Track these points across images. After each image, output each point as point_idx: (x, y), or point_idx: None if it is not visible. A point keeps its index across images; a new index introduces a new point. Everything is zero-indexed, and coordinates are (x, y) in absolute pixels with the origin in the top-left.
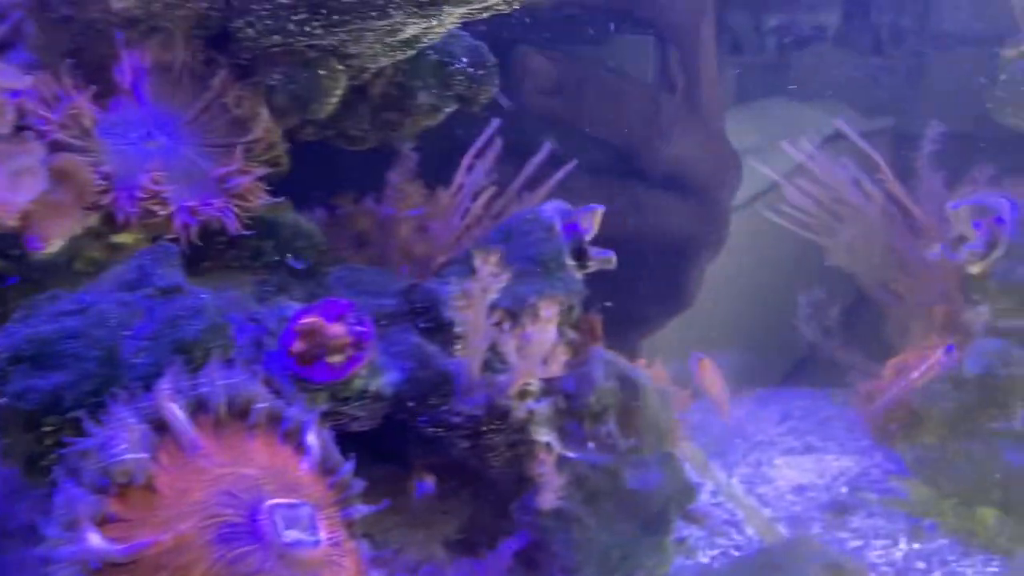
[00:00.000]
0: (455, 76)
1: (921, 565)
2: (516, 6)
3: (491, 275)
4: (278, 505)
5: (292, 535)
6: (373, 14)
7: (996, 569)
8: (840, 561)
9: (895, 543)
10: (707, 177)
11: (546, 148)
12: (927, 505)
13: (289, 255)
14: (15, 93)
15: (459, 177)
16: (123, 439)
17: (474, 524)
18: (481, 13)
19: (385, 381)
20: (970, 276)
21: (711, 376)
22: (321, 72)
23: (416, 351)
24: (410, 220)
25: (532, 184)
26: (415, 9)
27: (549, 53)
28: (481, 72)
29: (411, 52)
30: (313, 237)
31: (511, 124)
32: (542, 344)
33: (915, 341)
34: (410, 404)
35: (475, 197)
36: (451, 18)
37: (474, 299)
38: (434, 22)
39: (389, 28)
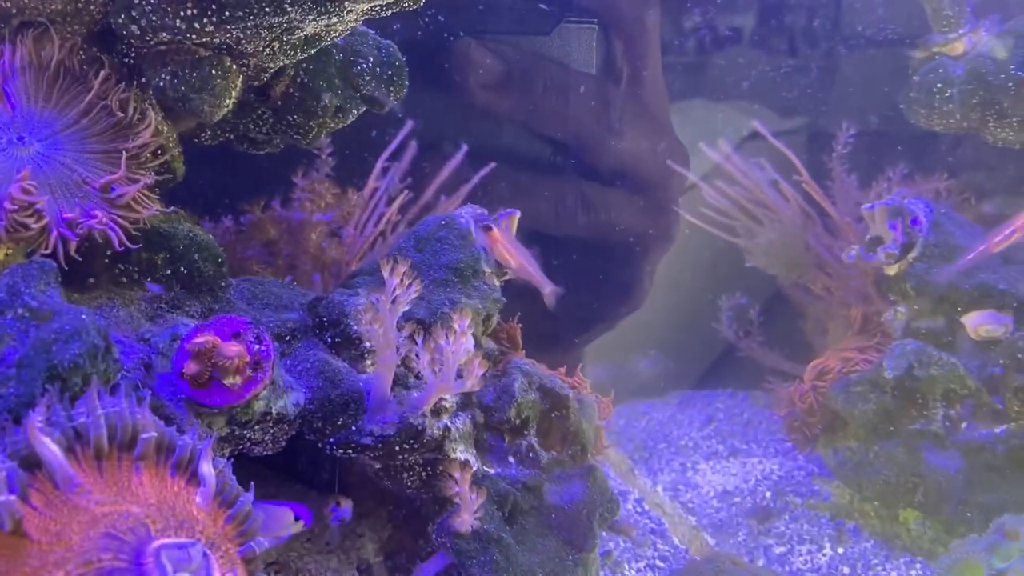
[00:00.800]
0: (362, 76)
1: (846, 570)
2: (422, 3)
3: (400, 286)
4: (166, 545)
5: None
6: (268, 10)
7: (919, 571)
8: None
9: (820, 548)
10: (655, 171)
11: (463, 150)
12: (850, 508)
13: (148, 278)
14: None
15: (372, 180)
16: None
17: (392, 547)
18: (386, 11)
19: (289, 402)
20: (887, 277)
21: (507, 248)
22: (213, 72)
23: (323, 368)
24: (321, 226)
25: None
26: (312, 5)
27: (491, 44)
28: (390, 72)
29: (312, 51)
30: (210, 248)
31: (450, 120)
32: (457, 357)
33: (834, 341)
34: (317, 425)
35: (390, 201)
36: (352, 15)
37: (383, 312)
38: (334, 19)
39: (286, 25)
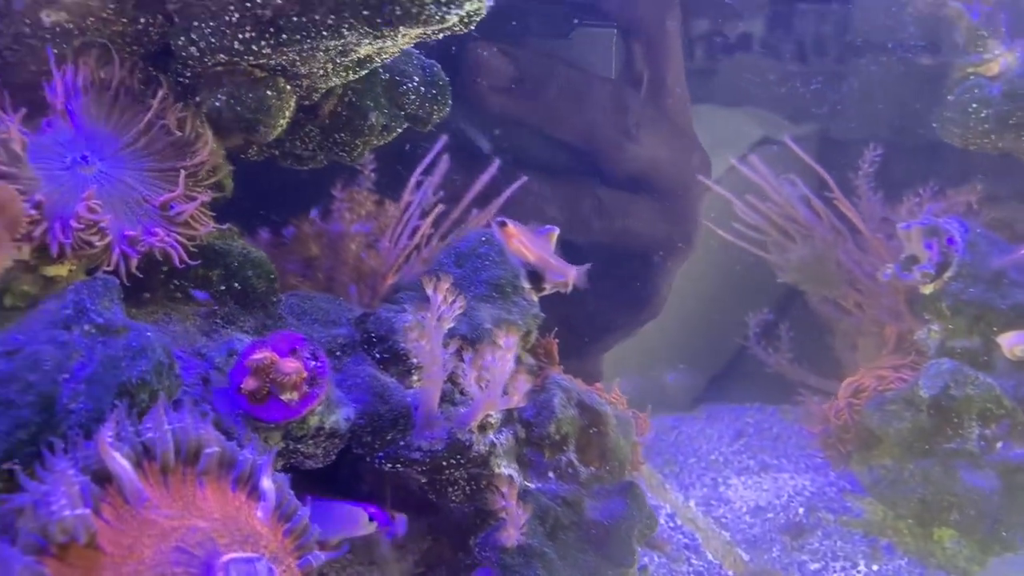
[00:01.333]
0: (407, 96)
1: None
2: (471, 27)
3: (445, 303)
4: (234, 560)
5: None
6: (325, 34)
7: None
8: None
9: (854, 565)
10: (675, 177)
11: (495, 164)
12: (883, 525)
13: (198, 284)
14: None
15: (407, 194)
16: (62, 494)
17: (432, 559)
18: (437, 34)
19: (341, 417)
20: (919, 295)
21: (523, 242)
22: (269, 92)
23: (372, 384)
24: (360, 237)
25: (483, 200)
26: (369, 29)
27: (506, 48)
28: (434, 91)
29: (363, 72)
30: (263, 265)
31: (466, 126)
32: (503, 374)
33: (863, 358)
34: (367, 439)
35: (423, 214)
36: (405, 39)
37: (429, 329)
38: (388, 42)
39: (341, 48)
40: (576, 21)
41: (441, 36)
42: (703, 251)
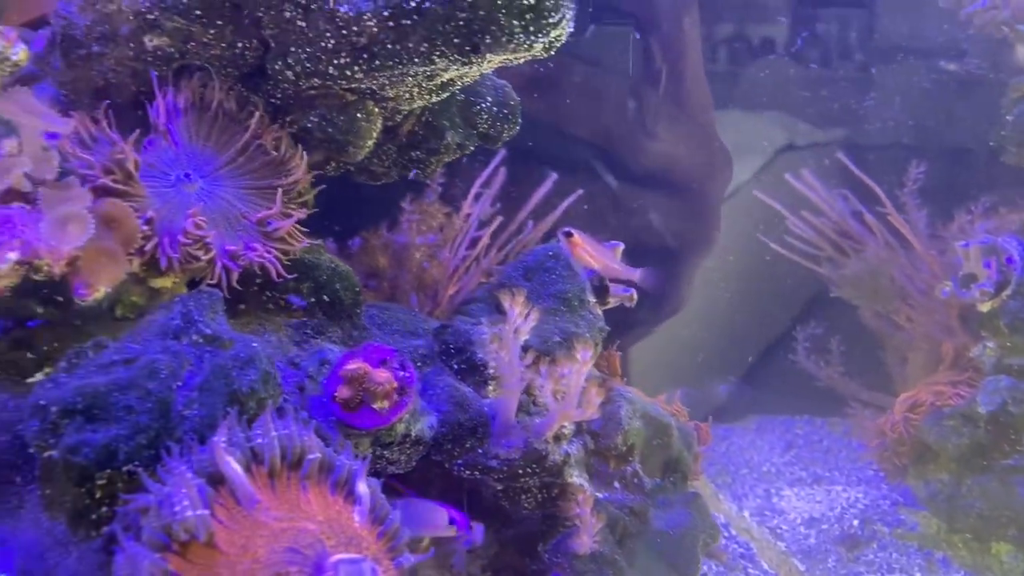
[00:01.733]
0: (481, 115)
1: None
2: (551, 52)
3: (521, 316)
4: (342, 560)
5: None
6: (416, 60)
7: None
8: None
9: None
10: (694, 173)
11: (551, 178)
12: (937, 538)
13: (296, 290)
14: (53, 135)
15: (466, 206)
16: (184, 496)
17: (499, 565)
18: (518, 60)
19: (425, 425)
20: (974, 312)
21: (588, 251)
22: (359, 115)
23: (452, 393)
24: (423, 248)
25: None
26: (458, 56)
27: None
28: (505, 111)
29: (445, 95)
30: (349, 278)
31: None
32: (578, 387)
33: (914, 372)
34: (447, 447)
35: (480, 226)
36: (490, 64)
37: (507, 341)
38: (474, 68)
39: (429, 73)
40: (593, 19)
41: (522, 61)
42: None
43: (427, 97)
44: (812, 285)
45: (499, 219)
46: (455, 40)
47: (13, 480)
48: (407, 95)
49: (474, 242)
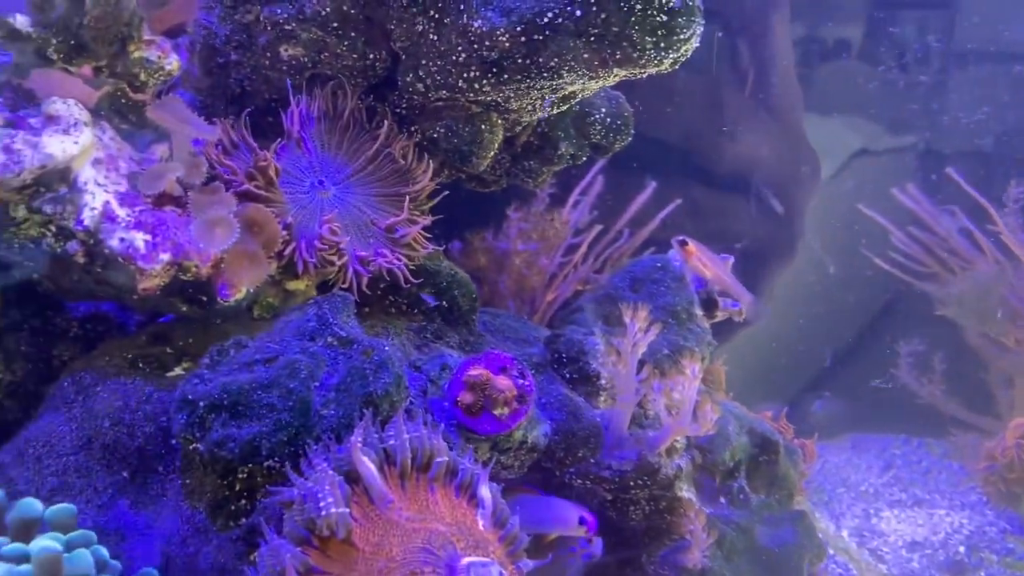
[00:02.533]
0: (594, 126)
1: None
2: (676, 67)
3: (641, 331)
4: (473, 563)
5: None
6: (545, 74)
7: None
8: None
9: None
10: (779, 177)
11: (651, 187)
12: None
13: (423, 291)
14: (198, 142)
15: (565, 213)
16: (328, 492)
17: (599, 574)
18: (641, 75)
19: (540, 433)
20: None
21: (702, 260)
22: (483, 127)
23: (565, 402)
24: (524, 254)
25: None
26: (586, 71)
27: None
28: (618, 122)
29: (565, 107)
30: (467, 285)
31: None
32: (692, 401)
33: (1021, 395)
34: (559, 455)
35: (576, 233)
36: (615, 78)
37: (625, 354)
38: (599, 82)
39: (554, 87)
40: None
41: (645, 76)
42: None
43: (548, 109)
44: (880, 297)
45: (598, 227)
46: (585, 55)
47: (156, 469)
48: (529, 107)
49: (570, 249)
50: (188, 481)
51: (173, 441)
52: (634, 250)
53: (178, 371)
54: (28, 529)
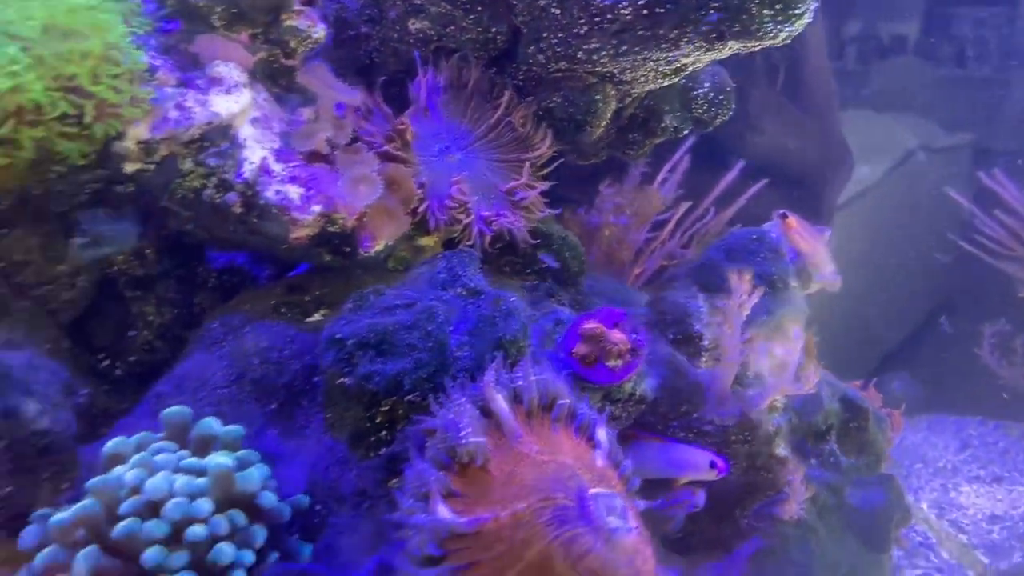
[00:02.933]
0: (697, 100)
1: None
2: (788, 40)
3: (746, 293)
4: (599, 494)
5: (614, 522)
6: (663, 46)
7: None
8: None
9: None
10: (807, 169)
11: (739, 165)
12: None
13: (543, 252)
14: (340, 106)
15: (654, 189)
16: (468, 423)
17: (690, 528)
18: (756, 47)
19: (647, 386)
20: None
21: (802, 233)
22: (597, 97)
23: (670, 360)
24: (615, 229)
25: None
26: (704, 43)
27: None
28: (721, 97)
29: (676, 79)
30: (577, 248)
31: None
32: (794, 362)
33: None
34: (662, 410)
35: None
36: (728, 51)
37: (731, 315)
38: (713, 55)
39: (669, 59)
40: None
41: (758, 49)
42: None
43: (660, 81)
44: (947, 284)
45: (687, 204)
46: (703, 28)
47: (300, 404)
48: (643, 79)
49: (654, 226)
50: (330, 415)
51: (316, 379)
52: (721, 228)
53: (317, 317)
54: (205, 446)
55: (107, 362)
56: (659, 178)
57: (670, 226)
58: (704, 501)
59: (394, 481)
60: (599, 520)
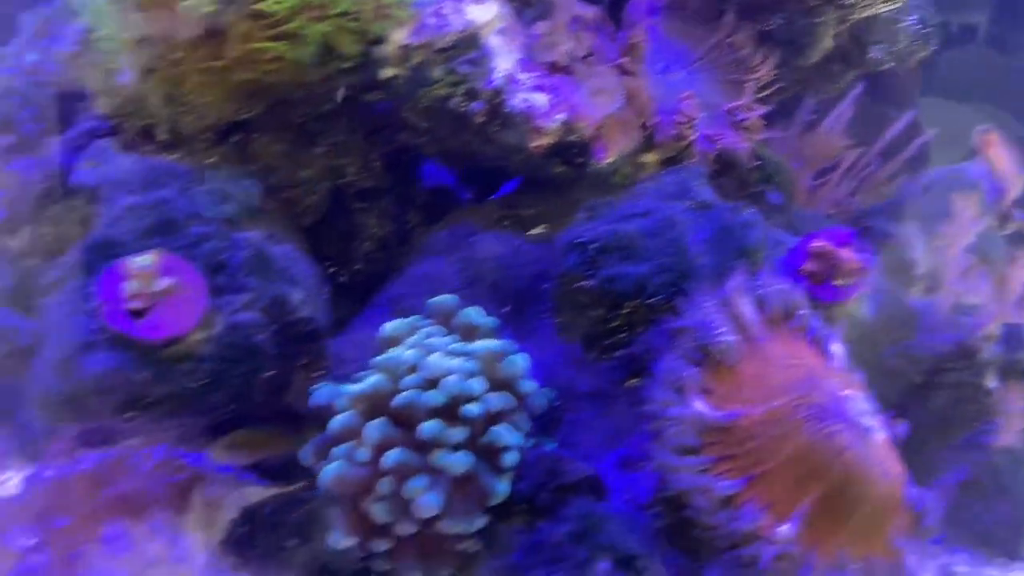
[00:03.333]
0: (901, 32)
1: None
2: None
3: (970, 220)
4: (849, 396)
5: (869, 420)
6: None
7: None
8: None
9: None
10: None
11: (909, 116)
12: None
13: (767, 188)
14: (574, 20)
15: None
16: (720, 323)
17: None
18: None
19: (866, 310)
20: None
21: (1001, 153)
22: (817, 20)
23: (883, 287)
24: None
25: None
26: None
27: None
28: (925, 31)
29: (894, 5)
30: (788, 173)
31: None
32: (1017, 290)
33: None
34: (879, 337)
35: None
36: None
37: (954, 241)
38: None
39: None
40: None
41: None
42: None
43: (875, 8)
44: None
45: (858, 150)
46: None
47: (529, 308)
48: (852, 3)
49: (818, 173)
50: (562, 318)
51: (544, 285)
52: (889, 179)
53: (539, 230)
54: (470, 333)
55: (333, 269)
56: (826, 124)
57: (839, 172)
58: (906, 432)
59: (633, 380)
60: (856, 418)
